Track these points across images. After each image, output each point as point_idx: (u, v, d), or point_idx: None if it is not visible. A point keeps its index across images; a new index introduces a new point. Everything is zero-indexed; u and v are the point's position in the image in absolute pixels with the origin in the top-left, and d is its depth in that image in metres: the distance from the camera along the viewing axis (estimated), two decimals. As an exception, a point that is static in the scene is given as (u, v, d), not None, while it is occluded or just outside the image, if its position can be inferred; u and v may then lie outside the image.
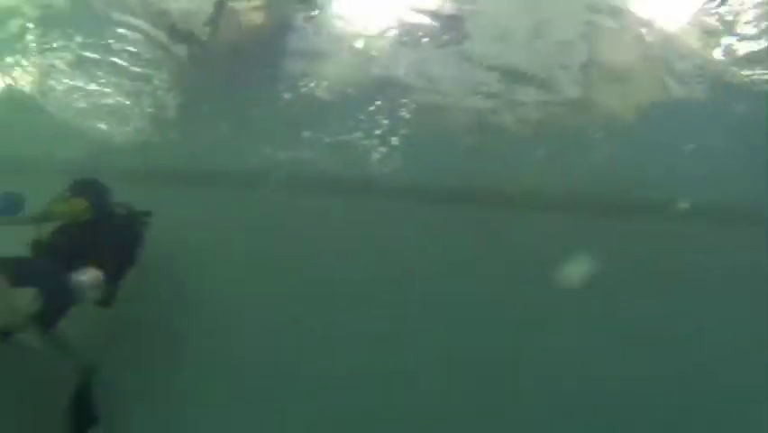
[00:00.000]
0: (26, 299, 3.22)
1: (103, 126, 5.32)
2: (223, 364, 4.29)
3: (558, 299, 4.27)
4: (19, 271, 3.31)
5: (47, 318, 3.45)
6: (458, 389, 4.06)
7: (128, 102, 5.34)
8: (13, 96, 5.47)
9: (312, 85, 5.31)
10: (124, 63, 5.34)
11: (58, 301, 3.53)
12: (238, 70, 5.40)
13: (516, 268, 4.44)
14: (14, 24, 5.49)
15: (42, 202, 3.87)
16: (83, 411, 3.78)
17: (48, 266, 3.63)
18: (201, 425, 4.09)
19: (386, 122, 5.17)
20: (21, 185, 3.83)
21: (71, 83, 5.38)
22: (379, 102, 5.22)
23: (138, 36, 5.39)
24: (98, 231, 3.95)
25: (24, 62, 5.46)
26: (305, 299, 4.43)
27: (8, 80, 5.50)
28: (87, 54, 5.41)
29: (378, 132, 5.15)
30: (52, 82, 5.42)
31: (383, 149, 5.07)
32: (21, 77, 5.47)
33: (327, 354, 4.21)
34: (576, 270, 4.34)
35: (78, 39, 5.42)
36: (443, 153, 5.02)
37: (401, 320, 4.31)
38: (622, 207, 4.82)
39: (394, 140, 5.11)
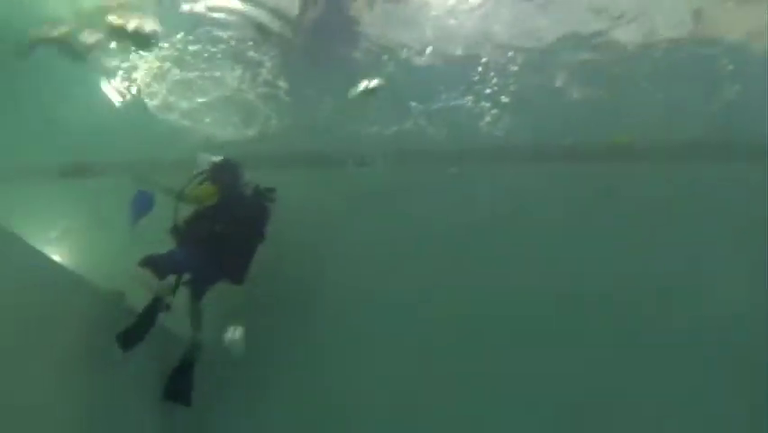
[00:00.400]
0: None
1: (218, 118, 5.39)
2: (354, 340, 4.31)
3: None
4: (162, 263, 3.86)
5: (195, 292, 4.20)
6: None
7: (238, 91, 5.37)
8: (130, 100, 5.64)
9: (412, 53, 5.16)
10: (225, 54, 5.35)
11: (199, 280, 4.17)
12: (335, 47, 5.34)
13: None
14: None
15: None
16: (180, 382, 4.12)
17: (185, 254, 4.08)
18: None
19: (495, 81, 4.97)
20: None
21: (181, 78, 5.46)
22: (483, 62, 5.00)
23: (233, 24, 5.37)
24: (227, 210, 4.22)
25: (136, 64, 5.59)
26: (434, 271, 4.37)
27: (124, 85, 5.66)
28: (191, 48, 5.46)
29: (488, 92, 4.96)
30: (162, 82, 5.52)
31: (495, 111, 4.89)
32: (134, 79, 5.62)
33: (457, 318, 4.16)
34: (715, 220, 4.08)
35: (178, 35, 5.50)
36: (556, 110, 4.79)
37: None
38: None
39: (504, 99, 4.91)
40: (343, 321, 4.40)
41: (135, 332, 3.79)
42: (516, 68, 5.02)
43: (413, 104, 5.00)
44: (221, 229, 4.15)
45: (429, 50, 5.14)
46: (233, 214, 4.24)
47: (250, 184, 4.55)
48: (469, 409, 3.85)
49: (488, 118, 4.89)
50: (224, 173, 4.46)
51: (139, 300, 4.16)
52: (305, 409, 4.10)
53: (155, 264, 3.88)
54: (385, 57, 5.11)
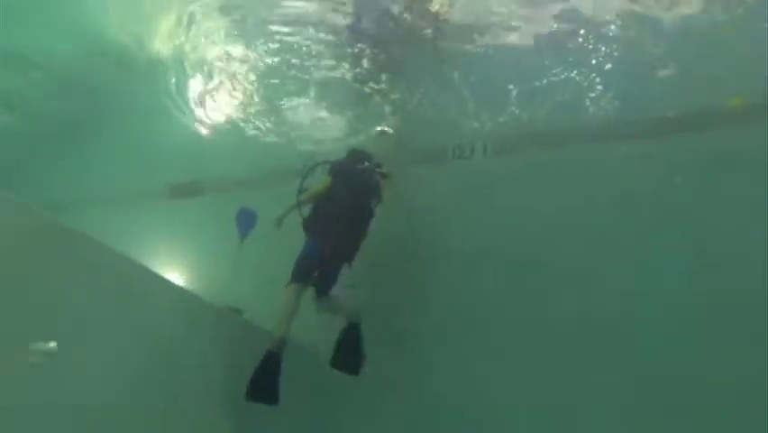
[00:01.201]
0: None
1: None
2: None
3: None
4: (300, 269, 4.08)
5: (325, 289, 4.27)
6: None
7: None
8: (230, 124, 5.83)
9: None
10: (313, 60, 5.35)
11: (327, 272, 4.27)
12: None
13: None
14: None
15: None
16: (349, 349, 4.12)
17: (314, 248, 4.20)
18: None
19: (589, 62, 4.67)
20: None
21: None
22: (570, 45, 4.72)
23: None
24: (340, 196, 4.30)
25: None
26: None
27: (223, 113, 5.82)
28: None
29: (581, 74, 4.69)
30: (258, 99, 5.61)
31: (592, 93, 4.60)
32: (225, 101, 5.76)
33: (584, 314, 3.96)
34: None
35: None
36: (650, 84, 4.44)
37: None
38: None
39: (598, 80, 4.62)
40: (465, 320, 4.30)
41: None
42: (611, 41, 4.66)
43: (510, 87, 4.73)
44: (337, 215, 4.24)
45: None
46: (345, 198, 4.31)
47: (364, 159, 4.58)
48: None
49: (592, 95, 4.58)
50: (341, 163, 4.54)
51: (255, 314, 4.33)
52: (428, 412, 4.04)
53: (301, 272, 4.09)
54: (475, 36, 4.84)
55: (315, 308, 4.27)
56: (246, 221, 4.57)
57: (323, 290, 4.30)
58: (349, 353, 4.13)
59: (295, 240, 4.81)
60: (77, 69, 5.78)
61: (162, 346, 3.33)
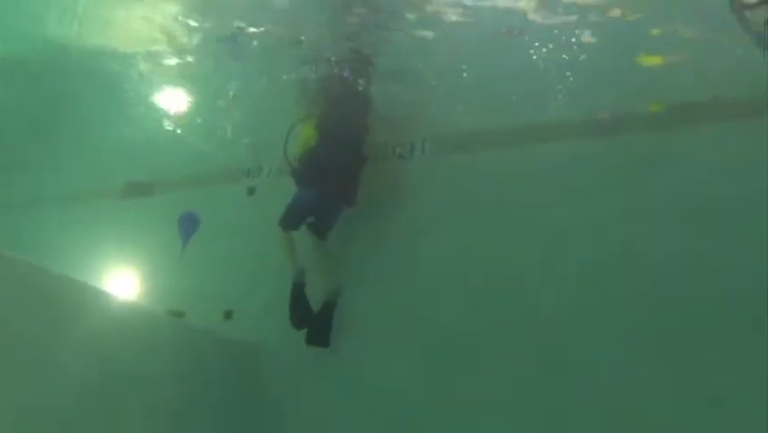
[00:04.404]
0: None
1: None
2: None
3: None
4: (290, 215, 4.40)
5: (320, 229, 4.49)
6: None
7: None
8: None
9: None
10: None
11: (322, 217, 4.50)
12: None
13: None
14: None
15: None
16: (322, 321, 4.31)
17: (305, 195, 4.47)
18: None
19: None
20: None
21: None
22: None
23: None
24: (328, 141, 4.50)
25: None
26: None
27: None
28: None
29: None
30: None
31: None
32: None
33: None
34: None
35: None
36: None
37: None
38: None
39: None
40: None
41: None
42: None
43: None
44: (326, 159, 4.45)
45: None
46: (333, 143, 4.51)
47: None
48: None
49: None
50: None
51: (199, 316, 4.42)
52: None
53: (288, 220, 4.41)
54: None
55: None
56: (188, 226, 4.61)
57: (319, 234, 4.50)
58: (320, 328, 4.31)
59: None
60: (32, 67, 5.68)
61: (94, 357, 3.35)
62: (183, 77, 5.39)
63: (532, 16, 4.73)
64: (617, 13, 4.58)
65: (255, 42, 4.96)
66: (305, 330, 4.30)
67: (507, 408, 3.73)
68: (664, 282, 3.62)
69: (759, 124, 3.65)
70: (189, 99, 5.55)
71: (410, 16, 4.86)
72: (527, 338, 3.83)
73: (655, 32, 4.39)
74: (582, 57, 4.70)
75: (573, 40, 4.67)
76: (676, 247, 3.69)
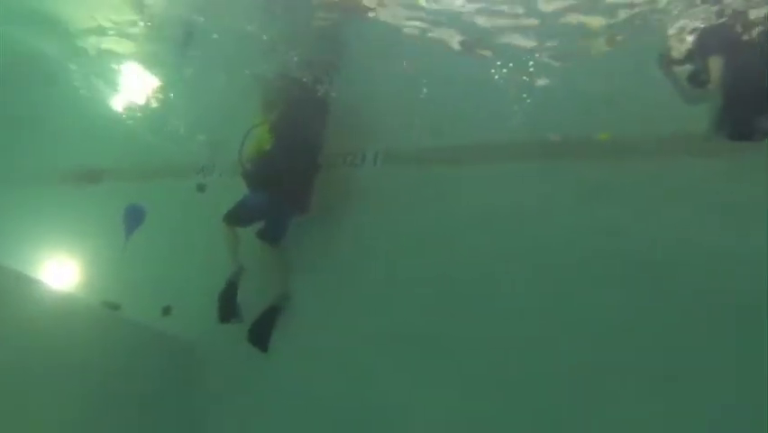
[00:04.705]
0: None
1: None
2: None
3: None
4: (238, 213, 4.40)
5: (270, 236, 4.50)
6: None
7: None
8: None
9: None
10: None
11: (274, 224, 4.50)
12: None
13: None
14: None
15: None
16: (264, 327, 4.34)
17: (256, 198, 4.45)
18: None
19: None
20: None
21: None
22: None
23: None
24: (284, 143, 4.45)
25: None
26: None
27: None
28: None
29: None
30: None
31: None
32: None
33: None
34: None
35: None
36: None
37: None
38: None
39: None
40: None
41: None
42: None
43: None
44: (280, 164, 4.41)
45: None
46: (288, 149, 4.47)
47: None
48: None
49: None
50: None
51: (137, 311, 4.35)
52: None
53: (232, 217, 4.40)
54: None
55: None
56: (133, 218, 4.54)
57: (270, 241, 4.50)
58: (262, 331, 4.32)
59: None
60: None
61: (22, 347, 3.25)
62: (141, 66, 5.33)
63: (497, 36, 4.88)
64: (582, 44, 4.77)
65: (215, 36, 4.94)
66: (250, 333, 4.31)
67: (442, 413, 3.77)
68: (602, 303, 3.74)
69: (696, 161, 3.84)
70: (145, 90, 5.48)
71: (374, 28, 4.95)
72: (472, 345, 3.89)
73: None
74: (541, 81, 4.85)
75: (531, 63, 4.82)
76: (615, 271, 3.81)
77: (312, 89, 4.85)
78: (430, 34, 4.96)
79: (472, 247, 4.19)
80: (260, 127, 4.57)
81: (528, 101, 4.75)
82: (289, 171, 4.42)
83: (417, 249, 4.32)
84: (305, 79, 4.88)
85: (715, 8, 3.95)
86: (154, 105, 5.55)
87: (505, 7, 4.77)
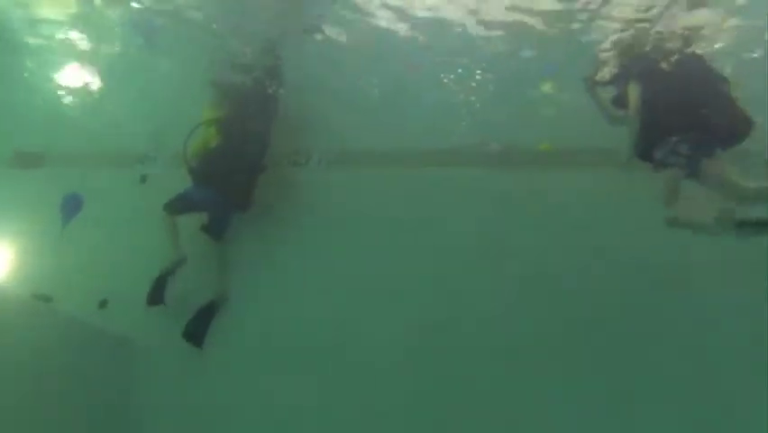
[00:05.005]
0: None
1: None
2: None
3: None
4: (176, 202, 4.35)
5: (213, 231, 4.50)
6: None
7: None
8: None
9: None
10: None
11: (217, 219, 4.52)
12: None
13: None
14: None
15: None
16: (200, 324, 4.34)
17: (198, 192, 4.41)
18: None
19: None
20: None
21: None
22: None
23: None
24: (231, 141, 4.45)
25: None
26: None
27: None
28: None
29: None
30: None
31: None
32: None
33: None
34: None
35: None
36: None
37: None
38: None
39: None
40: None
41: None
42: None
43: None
44: (225, 162, 4.41)
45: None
46: (234, 148, 4.46)
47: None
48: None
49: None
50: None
51: (72, 303, 4.26)
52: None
53: (173, 206, 4.35)
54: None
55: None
56: (71, 207, 4.43)
57: (213, 236, 4.51)
58: (199, 327, 4.32)
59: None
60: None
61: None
62: (88, 55, 5.17)
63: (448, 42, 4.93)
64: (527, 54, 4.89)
65: (163, 23, 4.83)
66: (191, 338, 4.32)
67: (378, 410, 3.91)
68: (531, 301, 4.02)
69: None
70: (92, 78, 5.32)
71: (330, 30, 4.93)
72: (409, 346, 4.05)
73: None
74: (490, 88, 4.97)
75: (479, 72, 4.92)
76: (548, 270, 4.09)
77: (262, 88, 4.81)
78: (383, 36, 4.96)
79: (408, 247, 4.33)
80: (207, 124, 4.54)
81: (477, 106, 4.91)
82: (234, 169, 4.42)
83: (355, 249, 4.41)
84: (255, 77, 4.82)
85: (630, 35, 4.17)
86: (97, 92, 5.39)
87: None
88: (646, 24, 4.22)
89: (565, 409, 3.72)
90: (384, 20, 4.73)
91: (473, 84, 4.94)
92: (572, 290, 4.01)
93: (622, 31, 4.32)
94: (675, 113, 3.43)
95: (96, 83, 5.40)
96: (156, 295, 4.30)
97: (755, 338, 3.55)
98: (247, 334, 4.34)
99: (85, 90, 5.42)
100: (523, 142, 4.55)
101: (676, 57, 3.79)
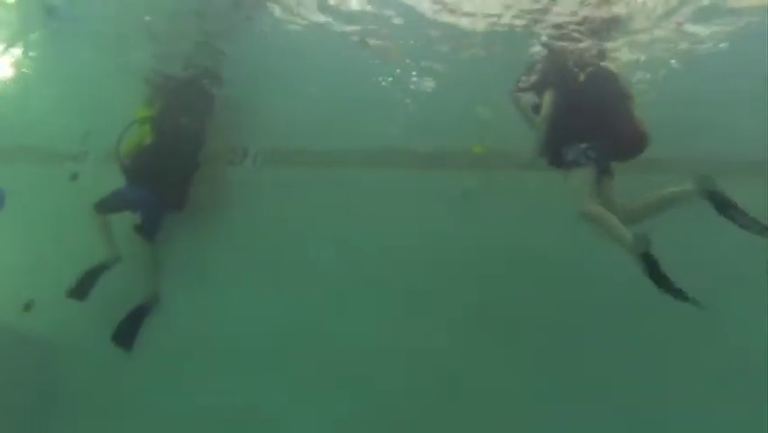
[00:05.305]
0: None
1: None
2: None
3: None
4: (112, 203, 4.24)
5: (145, 231, 4.39)
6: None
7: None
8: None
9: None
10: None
11: (149, 219, 4.42)
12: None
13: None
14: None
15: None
16: (130, 326, 4.25)
17: (130, 191, 4.33)
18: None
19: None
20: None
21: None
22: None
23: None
24: (164, 140, 4.38)
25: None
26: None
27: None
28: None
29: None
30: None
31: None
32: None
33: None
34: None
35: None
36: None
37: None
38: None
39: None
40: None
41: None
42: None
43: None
44: (159, 161, 4.35)
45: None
46: (168, 146, 4.40)
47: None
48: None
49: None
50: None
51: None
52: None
53: (104, 205, 4.22)
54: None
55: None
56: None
57: (145, 236, 4.39)
58: (128, 330, 4.23)
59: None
60: None
61: None
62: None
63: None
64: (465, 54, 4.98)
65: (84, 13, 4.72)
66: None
67: (312, 409, 3.93)
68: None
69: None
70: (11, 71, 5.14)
71: (268, 26, 4.92)
72: (345, 345, 4.06)
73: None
74: (428, 89, 5.04)
75: (414, 74, 4.99)
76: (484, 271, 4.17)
77: (197, 85, 4.77)
78: (322, 35, 4.97)
79: (342, 246, 4.36)
80: (141, 122, 4.46)
81: (411, 108, 4.98)
82: (168, 168, 4.38)
83: (289, 248, 4.41)
84: (190, 74, 4.79)
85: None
86: (22, 87, 5.22)
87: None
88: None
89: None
90: (322, 17, 4.77)
91: (411, 86, 5.02)
92: (504, 290, 4.10)
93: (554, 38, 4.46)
94: (582, 122, 3.60)
95: (18, 76, 5.21)
96: (79, 289, 4.12)
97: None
98: (179, 335, 4.28)
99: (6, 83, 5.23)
100: (456, 144, 4.62)
101: (590, 70, 3.93)
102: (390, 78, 5.01)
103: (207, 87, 4.82)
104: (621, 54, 4.40)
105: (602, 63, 4.13)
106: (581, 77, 3.89)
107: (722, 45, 4.30)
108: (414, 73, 5.01)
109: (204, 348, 4.23)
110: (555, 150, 3.70)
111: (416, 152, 4.63)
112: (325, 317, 4.18)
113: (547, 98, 3.79)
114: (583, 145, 3.53)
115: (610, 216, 3.31)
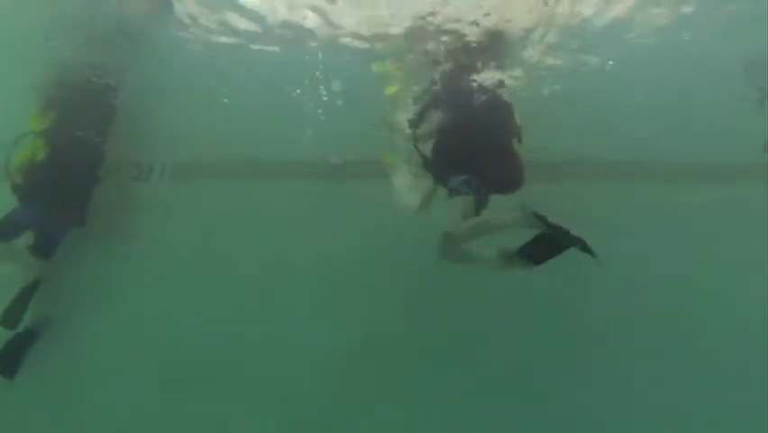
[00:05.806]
0: None
1: None
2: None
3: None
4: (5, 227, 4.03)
5: (40, 251, 4.16)
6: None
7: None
8: None
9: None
10: None
11: (45, 238, 4.20)
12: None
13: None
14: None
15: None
16: (14, 352, 4.06)
17: (24, 211, 4.09)
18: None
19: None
20: None
21: None
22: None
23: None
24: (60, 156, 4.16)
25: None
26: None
27: None
28: None
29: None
30: None
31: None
32: None
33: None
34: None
35: None
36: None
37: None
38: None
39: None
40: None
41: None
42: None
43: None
44: (54, 177, 4.13)
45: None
46: (64, 160, 4.17)
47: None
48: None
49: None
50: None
51: None
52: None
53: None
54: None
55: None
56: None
57: (40, 256, 4.16)
58: (11, 357, 4.01)
59: None
60: None
61: None
62: None
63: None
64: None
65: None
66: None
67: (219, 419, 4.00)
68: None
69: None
70: None
71: (180, 33, 4.78)
72: (259, 356, 4.13)
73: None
74: (338, 102, 5.10)
75: (321, 83, 5.03)
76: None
77: (96, 94, 4.54)
78: (232, 45, 4.91)
79: (253, 258, 4.42)
80: (34, 134, 4.20)
81: (322, 118, 5.02)
82: (65, 184, 4.17)
83: (198, 264, 4.41)
84: (89, 82, 4.53)
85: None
86: None
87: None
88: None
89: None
90: (233, 28, 4.71)
91: (324, 97, 5.06)
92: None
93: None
94: (467, 150, 3.70)
95: None
96: (11, 316, 3.96)
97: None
98: (80, 358, 4.17)
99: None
100: (366, 154, 4.72)
101: (483, 98, 3.99)
102: (299, 91, 5.04)
103: (108, 96, 4.60)
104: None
105: (498, 92, 4.14)
106: (476, 102, 3.95)
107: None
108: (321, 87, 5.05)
109: (108, 367, 4.15)
110: (439, 172, 3.81)
111: (325, 163, 4.73)
112: (236, 330, 4.22)
113: (435, 116, 3.86)
114: (464, 177, 3.63)
115: (477, 220, 3.52)
